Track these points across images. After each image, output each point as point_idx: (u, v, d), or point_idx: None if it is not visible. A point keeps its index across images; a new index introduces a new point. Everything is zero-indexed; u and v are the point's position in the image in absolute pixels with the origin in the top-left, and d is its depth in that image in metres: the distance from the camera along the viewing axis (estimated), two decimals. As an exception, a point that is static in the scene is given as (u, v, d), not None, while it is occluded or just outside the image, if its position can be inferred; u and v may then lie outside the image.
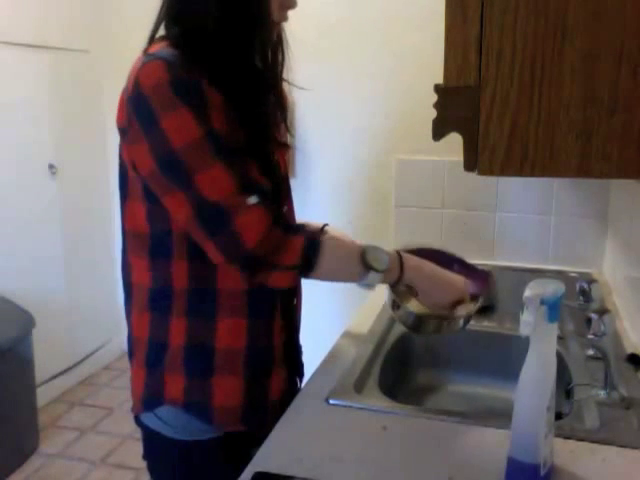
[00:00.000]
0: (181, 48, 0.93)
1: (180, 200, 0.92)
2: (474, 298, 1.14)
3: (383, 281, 1.04)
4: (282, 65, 1.07)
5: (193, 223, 0.93)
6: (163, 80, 0.89)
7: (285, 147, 1.10)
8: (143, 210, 0.99)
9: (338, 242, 1.04)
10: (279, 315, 1.07)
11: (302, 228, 1.00)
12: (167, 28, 0.98)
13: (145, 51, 0.95)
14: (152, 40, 0.98)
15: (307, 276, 0.99)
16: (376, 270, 1.00)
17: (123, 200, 1.02)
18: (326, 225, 1.32)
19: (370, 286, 1.05)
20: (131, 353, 1.07)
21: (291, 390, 1.14)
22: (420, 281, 1.06)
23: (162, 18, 0.98)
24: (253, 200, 0.92)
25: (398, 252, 1.05)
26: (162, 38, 0.98)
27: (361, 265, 1.00)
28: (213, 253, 0.94)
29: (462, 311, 1.09)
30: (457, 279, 1.11)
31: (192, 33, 0.94)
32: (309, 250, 0.96)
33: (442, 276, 1.09)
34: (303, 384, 1.20)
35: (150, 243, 1.00)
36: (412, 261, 1.06)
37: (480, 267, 1.31)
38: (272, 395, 1.07)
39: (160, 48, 0.94)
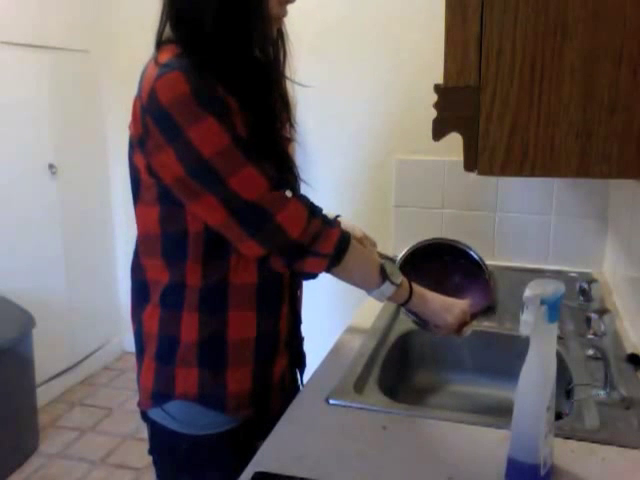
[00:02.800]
0: (190, 55, 0.92)
1: (212, 204, 0.93)
2: (474, 316, 1.22)
3: (392, 297, 1.11)
4: (284, 61, 1.07)
5: (229, 224, 0.95)
6: (185, 92, 0.89)
7: (289, 141, 1.12)
8: (156, 213, 1.00)
9: (362, 248, 1.10)
10: (285, 306, 1.09)
11: (336, 221, 1.05)
12: (172, 30, 0.98)
13: (156, 59, 0.94)
14: (159, 44, 0.98)
15: (330, 269, 1.04)
16: (391, 282, 1.08)
17: (135, 204, 1.03)
18: (339, 216, 1.35)
19: (381, 296, 1.10)
20: (140, 349, 1.08)
21: (291, 378, 1.16)
22: (426, 308, 1.15)
23: (165, 21, 0.98)
24: (289, 194, 0.97)
25: (408, 279, 1.13)
26: (168, 41, 0.97)
27: (379, 273, 1.07)
28: (253, 249, 0.97)
29: (467, 332, 1.18)
30: (458, 305, 1.17)
31: (193, 34, 0.94)
32: (342, 242, 1.02)
33: (444, 303, 1.16)
34: (304, 379, 1.21)
35: (164, 245, 1.01)
36: (418, 289, 1.14)
37: (482, 268, 1.33)
38: (275, 378, 1.10)
39: (171, 56, 0.93)
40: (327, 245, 1.00)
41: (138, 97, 0.95)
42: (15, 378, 2.39)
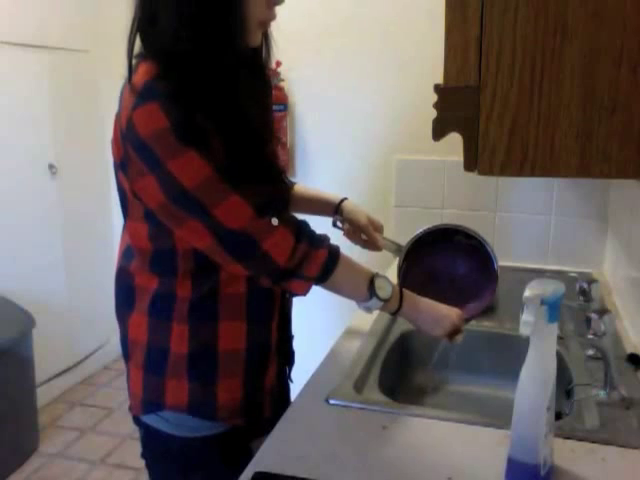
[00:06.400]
0: (167, 74, 0.87)
1: (198, 229, 0.92)
2: (473, 317, 1.21)
3: (382, 309, 1.11)
4: (268, 58, 1.05)
5: (215, 249, 0.94)
6: (163, 126, 0.85)
7: (277, 140, 1.11)
8: (145, 230, 0.99)
9: (353, 262, 1.09)
10: (276, 314, 1.09)
11: (325, 239, 1.04)
12: (144, 42, 0.93)
13: (131, 84, 0.89)
14: (131, 61, 0.92)
15: (317, 284, 1.04)
16: (379, 298, 1.07)
17: (125, 219, 1.03)
18: (345, 199, 1.38)
19: (368, 310, 1.11)
20: (127, 356, 1.07)
21: (280, 376, 1.16)
22: (416, 318, 1.15)
23: (136, 32, 0.93)
24: (275, 221, 0.96)
25: (401, 288, 1.13)
26: (142, 58, 0.92)
27: (367, 289, 1.07)
28: (240, 271, 0.98)
29: (458, 340, 1.17)
30: (451, 313, 1.16)
31: (168, 45, 0.88)
32: (328, 263, 1.02)
33: (436, 314, 1.15)
34: (294, 377, 1.22)
35: (153, 259, 1.00)
36: (410, 298, 1.13)
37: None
38: (266, 385, 1.09)
39: (146, 78, 0.88)
40: (313, 268, 1.00)
41: (118, 119, 0.93)
42: (15, 378, 2.39)
